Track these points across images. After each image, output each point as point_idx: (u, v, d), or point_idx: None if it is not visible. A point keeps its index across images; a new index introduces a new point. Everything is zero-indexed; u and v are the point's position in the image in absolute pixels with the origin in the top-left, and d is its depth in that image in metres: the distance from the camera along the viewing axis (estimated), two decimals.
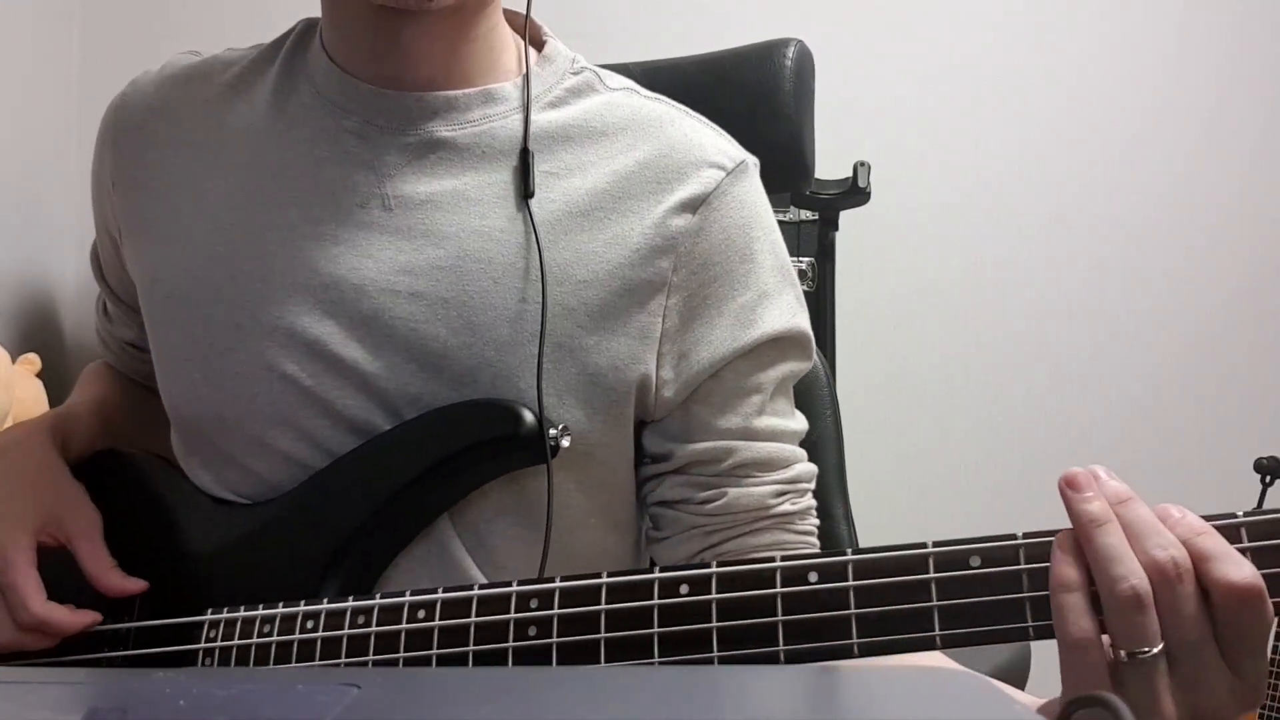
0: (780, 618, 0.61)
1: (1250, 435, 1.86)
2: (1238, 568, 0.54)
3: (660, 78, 1.01)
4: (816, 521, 0.85)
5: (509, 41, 0.84)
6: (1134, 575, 0.55)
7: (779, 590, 0.61)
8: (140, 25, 1.95)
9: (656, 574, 0.64)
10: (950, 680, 0.45)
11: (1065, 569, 0.57)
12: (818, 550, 0.83)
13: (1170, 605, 0.55)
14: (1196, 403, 1.94)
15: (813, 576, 0.61)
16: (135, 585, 0.78)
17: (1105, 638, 0.56)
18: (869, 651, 0.60)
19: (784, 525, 0.82)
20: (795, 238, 1.57)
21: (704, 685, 0.46)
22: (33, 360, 1.65)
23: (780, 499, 0.81)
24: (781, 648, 0.61)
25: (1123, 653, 0.55)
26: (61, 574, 0.79)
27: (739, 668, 0.64)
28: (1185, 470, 1.93)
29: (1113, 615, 0.55)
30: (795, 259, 1.57)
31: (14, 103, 1.76)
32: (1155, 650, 0.55)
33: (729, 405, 0.81)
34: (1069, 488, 0.58)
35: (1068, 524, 0.59)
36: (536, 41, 0.86)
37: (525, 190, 0.78)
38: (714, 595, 0.62)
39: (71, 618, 0.76)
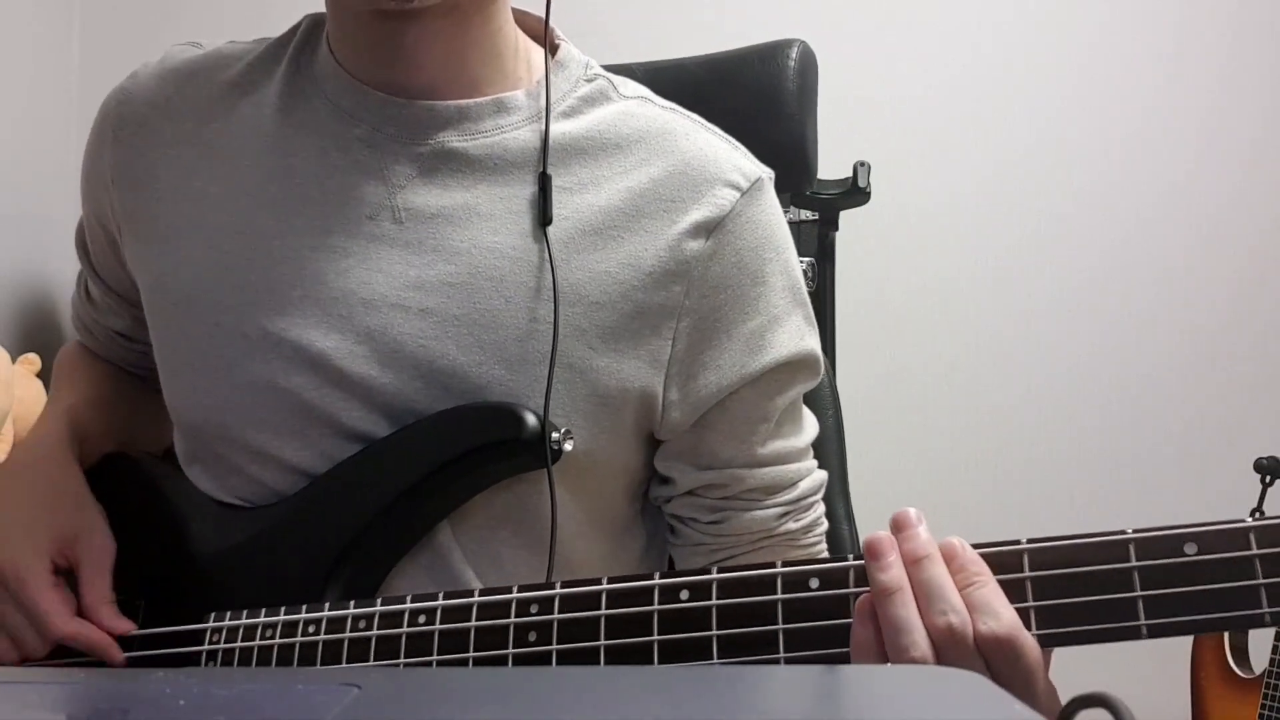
0: (781, 625, 0.61)
1: (1250, 435, 1.86)
2: (998, 618, 0.56)
3: (663, 78, 1.00)
4: (824, 527, 0.86)
5: (517, 47, 0.82)
6: (915, 647, 0.57)
7: (779, 597, 0.61)
8: (140, 25, 1.95)
9: (657, 579, 0.64)
10: (950, 680, 0.45)
11: (860, 632, 0.59)
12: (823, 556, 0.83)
13: (952, 664, 0.56)
14: (1196, 403, 1.94)
15: (814, 583, 0.61)
16: (124, 626, 0.77)
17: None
18: None
19: (788, 543, 0.83)
20: (795, 238, 1.56)
21: (704, 685, 0.46)
22: (33, 360, 1.65)
23: (783, 519, 0.83)
24: (782, 655, 0.61)
25: None
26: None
27: (739, 668, 0.64)
28: (1185, 470, 1.93)
29: None
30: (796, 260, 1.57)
31: (14, 103, 1.76)
32: None
33: (736, 434, 0.81)
34: (868, 556, 0.59)
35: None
36: (551, 44, 0.84)
37: (543, 218, 0.77)
38: (714, 601, 0.62)
39: (97, 636, 0.76)
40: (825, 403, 1.10)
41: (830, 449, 1.09)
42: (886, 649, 0.57)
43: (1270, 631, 1.63)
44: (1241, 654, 1.72)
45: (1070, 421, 1.96)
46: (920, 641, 0.57)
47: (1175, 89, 1.95)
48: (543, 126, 0.79)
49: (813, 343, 0.84)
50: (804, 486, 0.84)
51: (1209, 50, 1.94)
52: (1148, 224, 1.95)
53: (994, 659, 0.56)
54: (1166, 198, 1.95)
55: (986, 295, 1.97)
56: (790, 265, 0.83)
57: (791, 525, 0.83)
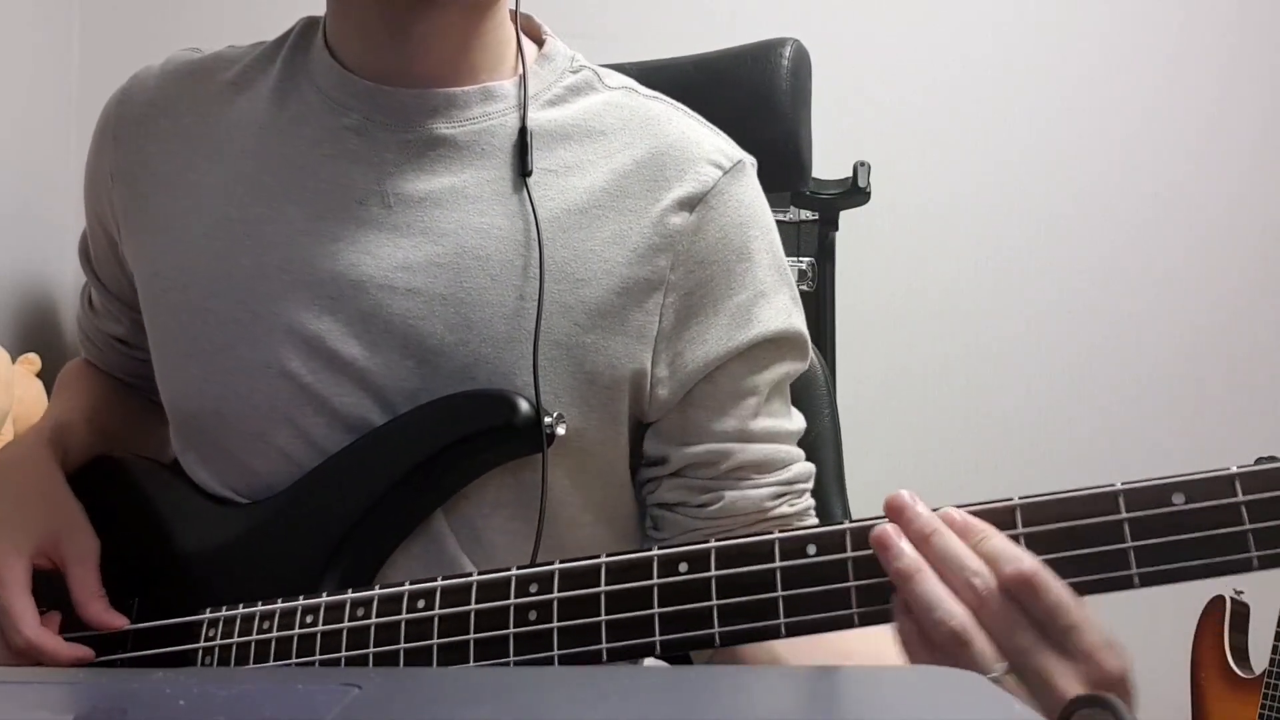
0: (780, 593, 0.61)
1: (1250, 435, 1.86)
2: (1019, 560, 0.56)
3: (657, 77, 1.01)
4: (815, 521, 0.85)
5: (510, 39, 0.84)
6: (951, 617, 0.56)
7: (778, 565, 0.61)
8: (140, 25, 1.95)
9: (655, 552, 0.64)
10: (950, 680, 0.45)
11: (903, 624, 0.58)
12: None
13: (993, 623, 0.56)
14: (1196, 403, 1.94)
15: (811, 549, 0.61)
16: (117, 621, 0.77)
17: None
18: (869, 621, 0.60)
19: (782, 528, 0.82)
20: (795, 238, 1.57)
21: (704, 686, 0.46)
22: (33, 360, 1.65)
23: (778, 501, 0.81)
24: (782, 620, 0.61)
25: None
26: (64, 593, 0.79)
27: (739, 668, 0.64)
28: (1185, 470, 1.92)
29: (946, 656, 0.56)
30: (795, 259, 1.57)
31: (14, 103, 1.76)
32: (1001, 668, 0.55)
33: (724, 409, 0.81)
34: (879, 549, 0.59)
35: None
36: (536, 39, 0.87)
37: (523, 169, 0.78)
38: (713, 572, 0.62)
39: (62, 648, 0.75)
40: (823, 403, 1.10)
41: (828, 449, 1.09)
42: (924, 628, 0.57)
43: (1270, 631, 1.63)
44: (1241, 654, 1.72)
45: (1070, 422, 1.96)
46: (955, 610, 0.56)
47: (1175, 90, 1.95)
48: (529, 114, 0.81)
49: (799, 323, 0.84)
50: (796, 470, 0.83)
51: (1210, 51, 1.94)
52: (1148, 224, 1.96)
53: (1026, 600, 0.56)
54: (1166, 198, 1.95)
55: (986, 296, 1.97)
56: (775, 245, 0.84)
57: (786, 509, 0.82)
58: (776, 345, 0.82)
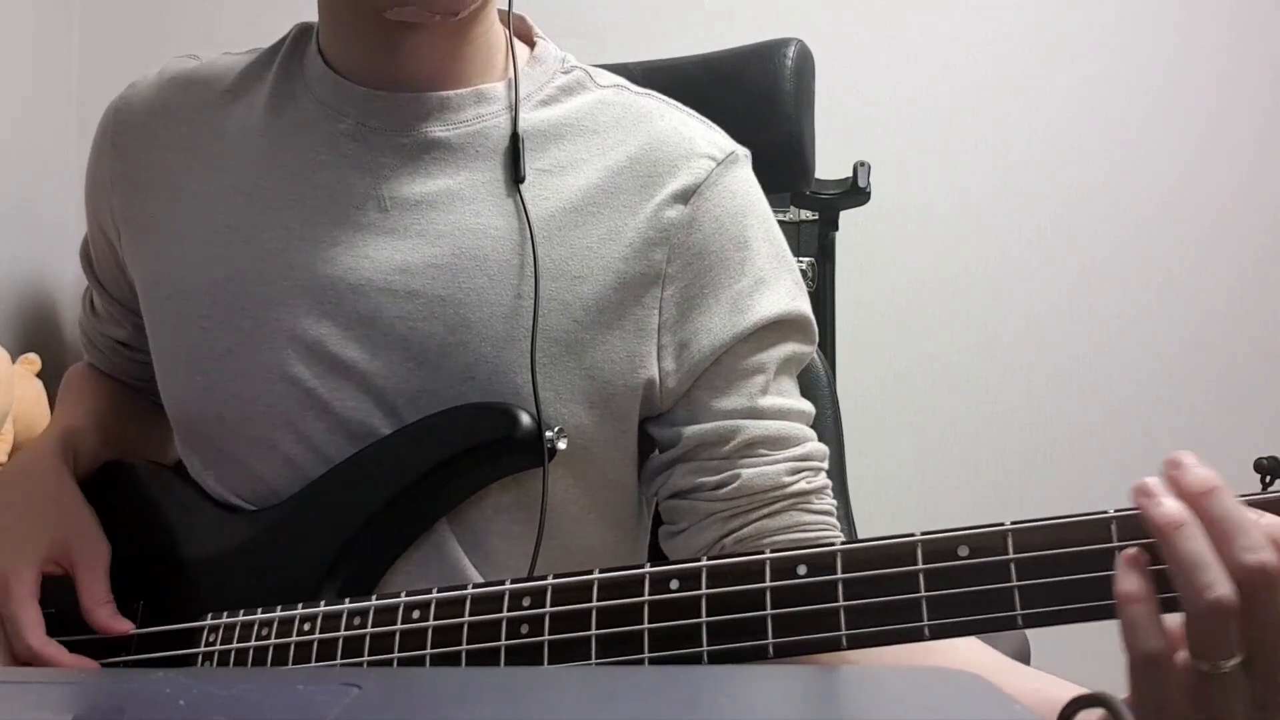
0: (769, 611, 0.61)
1: (1250, 435, 1.86)
2: None
3: (660, 77, 1.01)
4: (834, 501, 0.83)
5: (502, 41, 0.85)
6: (1219, 584, 0.51)
7: (768, 585, 0.61)
8: (140, 26, 1.95)
9: (647, 569, 0.64)
10: (950, 680, 0.45)
11: (1130, 580, 0.53)
12: (836, 531, 0.81)
13: (1253, 612, 0.51)
14: (1196, 403, 1.94)
15: (801, 569, 0.61)
16: (123, 626, 0.77)
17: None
18: (857, 643, 0.59)
19: (801, 505, 0.80)
20: (795, 238, 1.56)
21: (703, 686, 0.46)
22: (33, 360, 1.65)
23: (795, 477, 0.80)
24: (770, 640, 0.61)
25: (1204, 664, 0.52)
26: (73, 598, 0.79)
27: (738, 667, 0.64)
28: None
29: (1196, 626, 0.52)
30: (795, 259, 1.57)
31: (14, 103, 1.76)
32: (1237, 660, 0.51)
33: (732, 387, 0.80)
34: (1139, 495, 0.55)
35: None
36: (528, 41, 0.87)
37: (516, 175, 0.79)
38: (703, 591, 0.62)
39: (66, 660, 0.75)
40: (825, 403, 1.09)
41: (829, 448, 1.09)
42: (1181, 590, 0.52)
43: None
44: None
45: (1070, 421, 1.95)
46: (1223, 579, 0.51)
47: (1177, 90, 1.95)
48: (521, 114, 0.81)
49: (804, 306, 0.84)
50: (810, 447, 0.81)
51: (1211, 49, 1.94)
52: (1147, 223, 1.95)
53: None
54: (1166, 198, 1.95)
55: (987, 295, 1.97)
56: (773, 233, 0.84)
57: (804, 485, 0.80)
58: (780, 327, 0.82)
